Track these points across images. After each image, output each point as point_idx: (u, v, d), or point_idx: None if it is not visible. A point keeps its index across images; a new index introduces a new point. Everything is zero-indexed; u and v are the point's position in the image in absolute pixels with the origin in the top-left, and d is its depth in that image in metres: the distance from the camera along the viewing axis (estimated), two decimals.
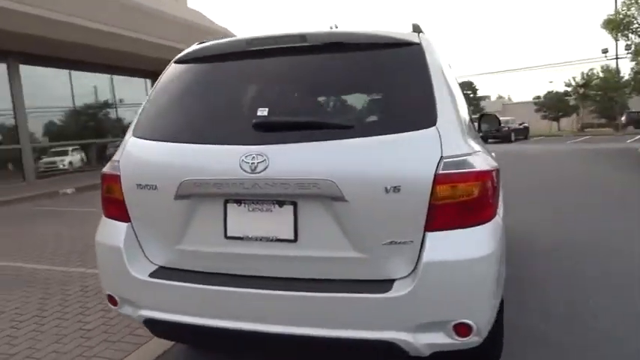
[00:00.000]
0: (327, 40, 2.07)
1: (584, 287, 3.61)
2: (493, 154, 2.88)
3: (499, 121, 4.35)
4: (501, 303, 2.24)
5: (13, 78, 11.53)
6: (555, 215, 6.40)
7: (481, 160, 1.87)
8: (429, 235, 1.78)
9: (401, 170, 1.77)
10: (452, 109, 1.93)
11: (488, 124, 4.32)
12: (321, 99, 2.03)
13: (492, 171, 1.89)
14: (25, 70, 11.82)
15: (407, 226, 1.79)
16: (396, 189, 1.76)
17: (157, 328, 2.18)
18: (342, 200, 1.80)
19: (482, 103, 73.64)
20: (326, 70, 2.10)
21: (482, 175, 1.81)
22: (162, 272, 2.08)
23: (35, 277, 4.46)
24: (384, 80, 2.01)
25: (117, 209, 2.16)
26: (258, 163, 1.85)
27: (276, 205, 1.90)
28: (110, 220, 2.20)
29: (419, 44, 2.03)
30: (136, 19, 12.44)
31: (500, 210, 1.93)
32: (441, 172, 1.76)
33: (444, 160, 1.77)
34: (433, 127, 1.81)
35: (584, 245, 4.79)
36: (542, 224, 5.87)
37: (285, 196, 1.87)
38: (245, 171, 1.86)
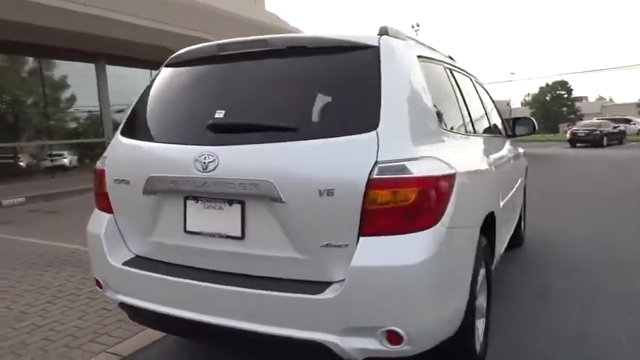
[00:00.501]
0: (287, 45, 2.12)
1: None
2: (483, 163, 2.67)
3: (534, 125, 4.24)
4: (472, 312, 2.16)
5: (100, 77, 12.74)
6: None
7: (425, 165, 1.82)
8: (362, 239, 1.77)
9: (335, 174, 1.79)
10: (402, 114, 1.90)
11: (524, 127, 4.26)
12: (276, 101, 2.08)
13: (437, 177, 1.83)
14: (110, 69, 13.00)
15: (342, 230, 1.80)
16: (330, 192, 1.77)
17: (129, 311, 2.37)
18: (280, 201, 1.85)
19: (578, 104, 68.45)
20: (283, 73, 2.15)
21: (421, 182, 1.77)
22: (135, 261, 2.26)
23: (84, 260, 4.93)
24: (335, 84, 2.03)
25: (103, 201, 2.37)
26: (209, 162, 1.95)
27: (227, 204, 1.99)
28: (98, 211, 2.42)
29: (376, 47, 2.01)
30: (216, 23, 13.12)
31: (446, 217, 1.86)
32: (374, 177, 1.74)
33: (379, 165, 1.75)
34: (373, 132, 1.80)
35: None
36: None
37: (233, 195, 1.96)
38: (198, 170, 1.97)
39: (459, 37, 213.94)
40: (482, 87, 4.05)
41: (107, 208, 2.35)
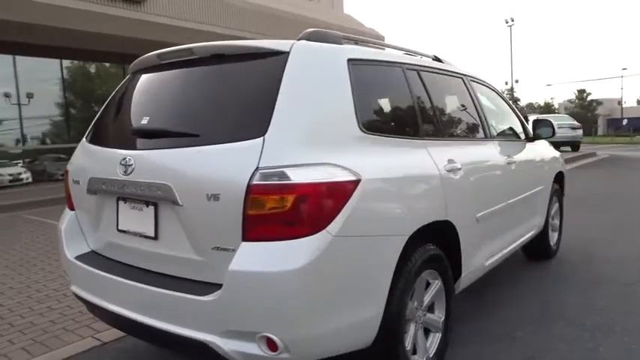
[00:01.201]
0: (210, 53, 2.20)
1: None
2: (428, 168, 2.42)
3: (553, 127, 3.99)
4: (395, 325, 2.08)
5: None
6: None
7: (310, 172, 1.79)
8: (242, 244, 1.80)
9: (220, 179, 1.83)
10: (298, 120, 1.89)
11: (549, 129, 4.03)
12: (188, 108, 2.15)
13: (321, 184, 1.79)
14: None
15: (228, 234, 1.83)
16: (216, 197, 1.82)
17: (82, 302, 2.57)
18: (178, 204, 1.93)
19: None
20: (202, 81, 2.22)
21: (300, 188, 1.74)
22: (85, 256, 2.46)
23: None
24: (241, 90, 2.05)
25: (68, 199, 2.61)
26: (127, 166, 2.09)
27: (145, 205, 2.11)
28: (66, 209, 2.66)
29: (286, 53, 2.01)
30: (291, 29, 13.55)
31: (336, 225, 1.81)
32: (253, 182, 1.76)
33: (260, 171, 1.76)
34: (259, 138, 1.81)
35: None
36: None
37: (147, 197, 2.07)
38: (120, 173, 2.12)
39: (566, 31, 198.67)
40: (492, 89, 3.79)
41: (71, 205, 2.59)
